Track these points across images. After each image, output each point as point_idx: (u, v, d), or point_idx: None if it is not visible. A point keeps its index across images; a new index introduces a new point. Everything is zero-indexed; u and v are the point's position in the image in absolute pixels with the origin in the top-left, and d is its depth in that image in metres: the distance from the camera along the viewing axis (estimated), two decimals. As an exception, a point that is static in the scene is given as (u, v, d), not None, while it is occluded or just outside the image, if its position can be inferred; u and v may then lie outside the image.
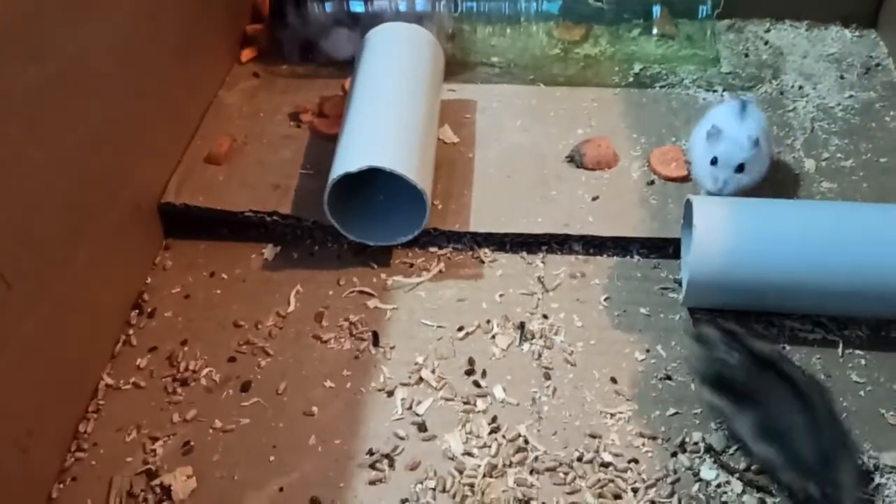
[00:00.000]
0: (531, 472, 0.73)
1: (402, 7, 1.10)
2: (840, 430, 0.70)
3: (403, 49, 1.02)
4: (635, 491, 0.71)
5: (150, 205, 0.93)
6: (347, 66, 1.07)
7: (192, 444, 0.75)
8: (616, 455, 0.73)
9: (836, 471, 0.66)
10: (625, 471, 0.72)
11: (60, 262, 0.75)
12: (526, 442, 0.75)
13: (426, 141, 0.94)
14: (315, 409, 0.78)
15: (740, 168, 0.86)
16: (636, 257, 0.91)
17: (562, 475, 0.72)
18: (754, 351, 0.73)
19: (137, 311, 0.87)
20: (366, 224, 0.91)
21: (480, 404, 0.78)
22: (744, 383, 0.72)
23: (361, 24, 1.10)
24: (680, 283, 0.87)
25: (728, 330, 0.75)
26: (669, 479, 0.72)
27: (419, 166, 0.88)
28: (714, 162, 0.86)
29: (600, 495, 0.71)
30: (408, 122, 0.92)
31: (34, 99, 0.70)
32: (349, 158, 0.86)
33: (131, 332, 0.85)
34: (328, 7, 1.09)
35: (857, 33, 1.20)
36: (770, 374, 0.71)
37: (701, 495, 0.71)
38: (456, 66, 1.13)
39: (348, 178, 0.84)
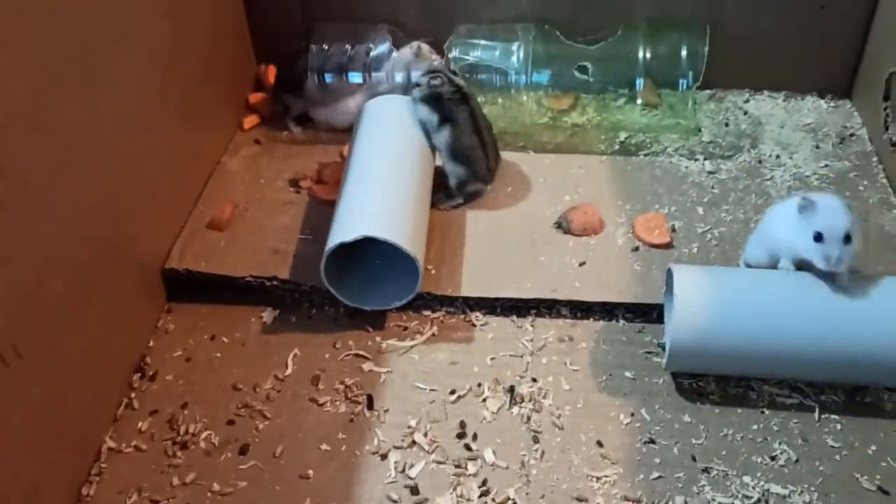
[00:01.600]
0: (519, 536, 0.75)
1: (399, 79, 1.15)
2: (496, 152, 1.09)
3: (398, 119, 1.06)
4: (620, 555, 0.74)
5: (153, 269, 0.96)
6: (346, 133, 1.12)
7: (191, 507, 0.78)
8: (601, 519, 0.76)
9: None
10: (610, 534, 0.75)
11: (67, 328, 0.78)
12: (515, 505, 0.77)
13: (420, 208, 0.98)
14: (311, 472, 0.80)
15: (847, 239, 0.78)
16: (622, 321, 0.95)
17: (549, 539, 0.75)
18: (456, 83, 1.04)
19: (140, 374, 0.90)
20: (362, 288, 0.95)
21: (471, 467, 0.80)
22: (449, 108, 1.03)
23: (360, 94, 1.15)
24: (663, 348, 0.91)
25: (433, 70, 1.05)
26: (653, 543, 0.74)
27: (412, 234, 0.92)
28: (819, 238, 0.79)
29: (586, 559, 0.73)
30: (402, 190, 0.97)
31: (48, 172, 0.74)
32: (344, 228, 0.90)
33: (133, 395, 0.87)
34: (328, 78, 1.15)
35: (832, 104, 1.25)
36: (464, 108, 1.04)
37: (683, 559, 0.74)
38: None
39: (344, 245, 0.88)
